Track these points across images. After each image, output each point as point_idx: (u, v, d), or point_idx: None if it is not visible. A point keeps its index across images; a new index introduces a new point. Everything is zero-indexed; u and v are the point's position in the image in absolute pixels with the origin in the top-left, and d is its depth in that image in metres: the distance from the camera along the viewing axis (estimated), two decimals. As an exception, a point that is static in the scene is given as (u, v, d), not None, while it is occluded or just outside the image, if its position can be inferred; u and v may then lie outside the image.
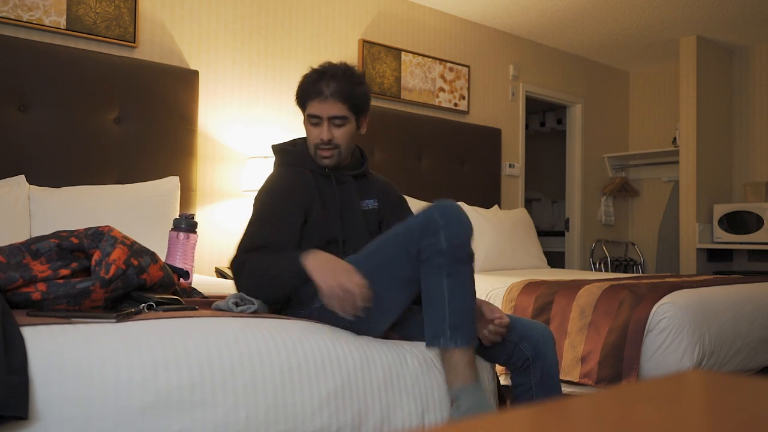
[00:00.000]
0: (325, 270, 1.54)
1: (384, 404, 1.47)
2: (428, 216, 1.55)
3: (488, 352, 1.72)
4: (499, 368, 2.39)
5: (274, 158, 1.98)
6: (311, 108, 1.85)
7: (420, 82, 4.46)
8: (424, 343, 1.60)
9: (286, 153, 1.94)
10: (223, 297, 1.90)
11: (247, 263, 1.69)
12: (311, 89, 1.85)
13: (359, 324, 1.58)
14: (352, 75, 1.85)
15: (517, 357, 1.71)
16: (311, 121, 1.86)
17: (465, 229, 1.56)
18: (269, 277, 1.66)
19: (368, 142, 3.91)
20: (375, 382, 1.47)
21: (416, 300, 1.67)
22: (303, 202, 1.83)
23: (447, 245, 1.51)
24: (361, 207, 1.93)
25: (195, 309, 1.55)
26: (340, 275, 1.52)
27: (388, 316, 1.63)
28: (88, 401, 1.14)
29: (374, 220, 1.96)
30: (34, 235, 2.40)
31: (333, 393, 1.40)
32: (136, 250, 1.59)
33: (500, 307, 3.01)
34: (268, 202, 1.84)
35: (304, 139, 1.97)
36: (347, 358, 1.46)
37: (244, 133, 3.62)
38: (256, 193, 1.91)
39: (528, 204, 6.77)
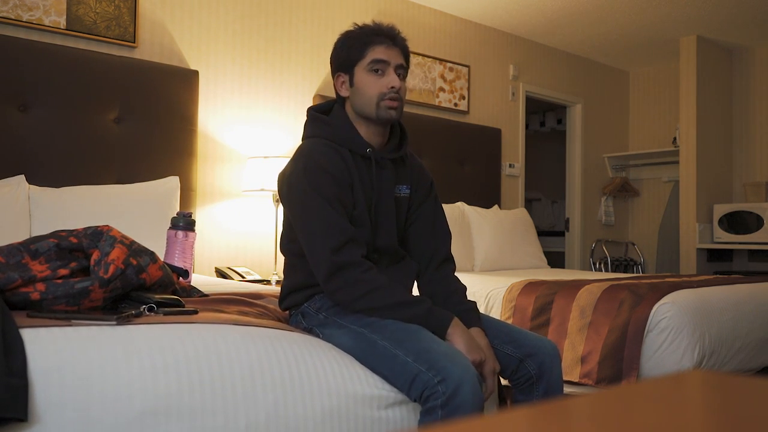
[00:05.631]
0: (472, 346, 1.51)
1: (390, 418, 1.44)
2: (433, 391, 1.36)
3: None
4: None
5: (306, 122, 1.76)
6: (377, 53, 1.65)
7: (420, 82, 4.46)
8: None
9: (328, 126, 1.71)
10: (223, 296, 1.89)
11: (355, 267, 1.54)
12: (376, 35, 1.67)
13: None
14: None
15: (522, 374, 1.63)
16: (375, 68, 1.65)
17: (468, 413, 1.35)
18: (385, 307, 1.53)
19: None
20: (383, 399, 1.44)
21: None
22: (349, 185, 1.64)
23: (443, 415, 1.36)
24: (394, 193, 1.74)
25: (196, 312, 1.54)
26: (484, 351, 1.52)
27: None
28: (87, 404, 1.14)
29: (404, 209, 1.78)
30: (34, 234, 2.40)
31: (336, 407, 1.37)
32: (135, 250, 1.59)
33: (500, 308, 3.01)
34: (329, 184, 1.59)
35: (340, 108, 1.74)
36: (351, 372, 1.44)
37: (244, 133, 3.62)
38: (297, 167, 1.64)
39: (528, 204, 6.77)
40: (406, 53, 1.72)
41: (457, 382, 1.34)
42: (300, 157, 1.66)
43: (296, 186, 1.61)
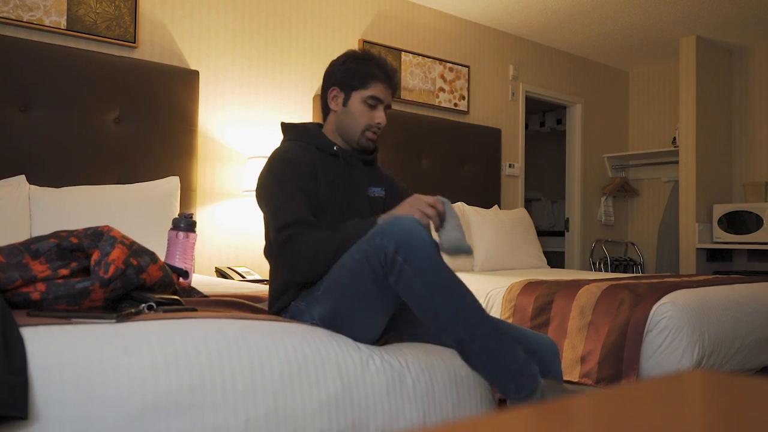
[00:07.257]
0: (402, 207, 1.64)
1: (386, 408, 1.45)
2: (384, 251, 1.48)
3: None
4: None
5: (282, 135, 1.94)
6: (376, 90, 1.84)
7: (420, 82, 4.46)
8: (424, 345, 1.61)
9: (297, 128, 1.90)
10: (223, 296, 1.90)
11: (298, 237, 1.64)
12: (381, 73, 1.85)
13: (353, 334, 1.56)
14: None
15: None
16: (369, 102, 1.84)
17: (429, 256, 1.46)
18: (327, 252, 1.63)
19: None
20: (376, 386, 1.45)
21: None
22: (311, 175, 1.77)
23: (417, 279, 1.45)
24: (368, 194, 1.90)
25: (195, 310, 1.55)
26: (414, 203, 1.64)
27: (375, 331, 1.60)
28: (87, 402, 1.14)
29: (380, 208, 1.92)
30: (34, 235, 2.40)
31: (333, 397, 1.39)
32: (136, 250, 1.59)
33: (500, 307, 3.01)
34: (288, 174, 1.74)
35: (316, 124, 1.93)
36: (347, 362, 1.45)
37: (244, 134, 3.62)
38: (265, 167, 1.80)
39: (528, 204, 6.77)
40: (394, 92, 1.92)
41: (400, 235, 1.46)
42: (269, 158, 1.81)
43: (261, 182, 1.76)
